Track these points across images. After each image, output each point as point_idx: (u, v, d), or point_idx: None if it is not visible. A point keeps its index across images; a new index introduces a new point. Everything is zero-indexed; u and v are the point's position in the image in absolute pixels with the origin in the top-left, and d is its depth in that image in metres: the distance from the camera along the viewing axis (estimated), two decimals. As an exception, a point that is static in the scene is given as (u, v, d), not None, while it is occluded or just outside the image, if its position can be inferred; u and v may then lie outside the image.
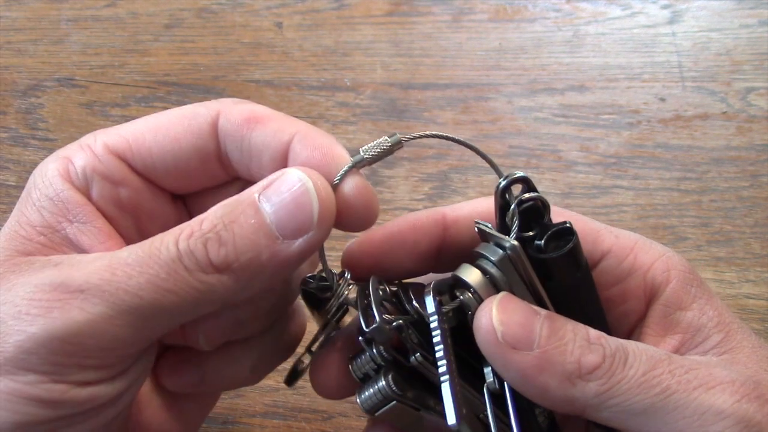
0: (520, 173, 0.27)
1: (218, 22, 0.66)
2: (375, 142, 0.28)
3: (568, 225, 0.27)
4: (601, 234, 0.29)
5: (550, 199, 0.28)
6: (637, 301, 0.29)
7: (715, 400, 0.24)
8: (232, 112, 0.28)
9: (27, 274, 0.25)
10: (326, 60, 0.62)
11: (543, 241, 0.27)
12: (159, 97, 0.60)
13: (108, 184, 0.28)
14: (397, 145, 0.27)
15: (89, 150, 0.29)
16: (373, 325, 0.27)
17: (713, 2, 0.62)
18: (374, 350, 0.28)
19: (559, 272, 0.27)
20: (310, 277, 0.30)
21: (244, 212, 0.25)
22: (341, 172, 0.27)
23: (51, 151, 0.57)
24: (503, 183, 0.27)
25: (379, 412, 0.28)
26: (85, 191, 0.28)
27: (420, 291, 0.28)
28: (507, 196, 0.27)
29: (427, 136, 0.28)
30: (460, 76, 0.60)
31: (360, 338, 0.28)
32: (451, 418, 0.24)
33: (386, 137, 0.27)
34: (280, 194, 0.25)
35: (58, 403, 0.24)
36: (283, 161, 0.28)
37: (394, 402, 0.27)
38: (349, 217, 0.27)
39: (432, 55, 0.61)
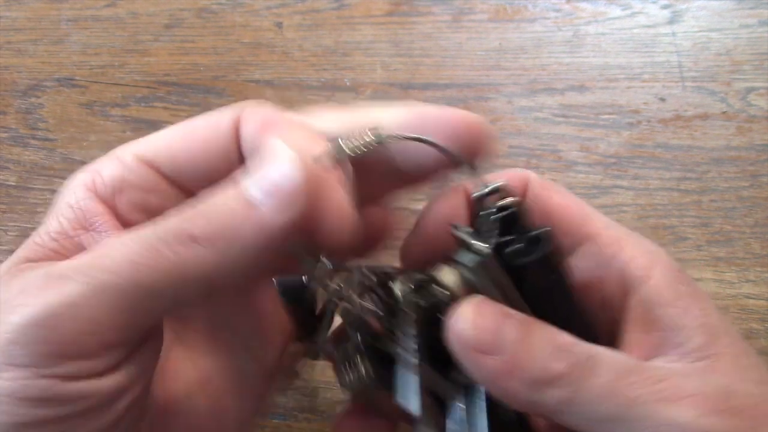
0: (498, 183, 0.27)
1: (218, 22, 0.66)
2: (356, 132, 0.26)
3: (542, 233, 0.27)
4: (590, 219, 0.30)
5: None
6: (614, 290, 0.29)
7: (678, 413, 0.24)
8: (250, 117, 0.29)
9: (25, 275, 0.25)
10: (326, 60, 0.62)
11: (518, 246, 0.27)
12: (159, 97, 0.60)
13: (138, 192, 0.29)
14: (380, 141, 0.26)
15: (118, 160, 0.29)
16: (353, 312, 0.27)
17: (713, 2, 0.62)
18: (355, 335, 0.28)
19: (533, 276, 0.27)
20: (284, 281, 0.30)
21: (224, 188, 0.26)
22: (319, 153, 0.26)
23: (51, 151, 0.58)
24: (477, 194, 0.27)
25: (356, 391, 0.28)
26: (110, 201, 0.28)
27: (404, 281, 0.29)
28: (483, 203, 0.27)
29: (410, 138, 0.27)
30: (460, 76, 0.60)
31: (343, 322, 0.29)
32: (415, 408, 0.26)
33: (368, 130, 0.26)
34: (261, 166, 0.26)
35: (44, 400, 0.24)
36: None
37: (369, 385, 0.28)
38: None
39: (432, 55, 0.61)
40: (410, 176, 0.30)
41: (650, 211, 0.52)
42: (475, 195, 0.27)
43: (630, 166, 0.54)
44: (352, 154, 0.26)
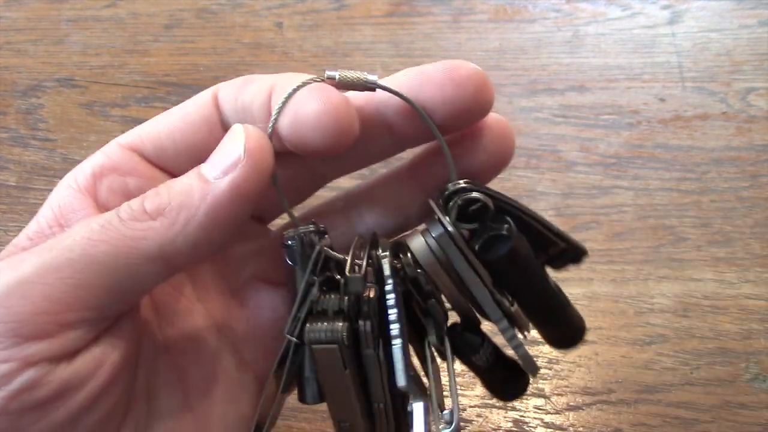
0: (460, 183, 0.28)
1: (218, 22, 0.66)
2: (355, 72, 0.27)
3: (504, 232, 0.27)
4: None
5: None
6: None
7: None
8: (228, 83, 0.29)
9: None
10: (326, 60, 0.62)
11: (483, 241, 0.27)
12: (159, 97, 0.60)
13: (116, 177, 0.29)
14: (369, 84, 0.27)
15: (100, 152, 0.29)
16: (355, 275, 0.27)
17: (713, 2, 0.62)
18: (346, 296, 0.28)
19: (496, 267, 0.28)
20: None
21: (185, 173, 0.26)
22: (294, 87, 0.26)
23: (51, 151, 0.58)
24: (445, 195, 0.28)
25: (317, 347, 0.28)
26: (92, 190, 0.28)
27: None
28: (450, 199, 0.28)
29: (392, 92, 0.28)
30: (460, 76, 0.60)
31: (338, 277, 0.28)
32: (400, 380, 0.26)
33: (366, 73, 0.28)
34: (219, 146, 0.26)
35: (5, 386, 0.23)
36: (268, 108, 0.28)
37: (336, 346, 0.28)
38: (307, 134, 0.26)
39: (432, 56, 0.62)
40: (405, 138, 0.30)
41: (650, 211, 0.52)
42: (449, 190, 0.28)
43: (630, 166, 0.54)
44: (342, 87, 0.27)
